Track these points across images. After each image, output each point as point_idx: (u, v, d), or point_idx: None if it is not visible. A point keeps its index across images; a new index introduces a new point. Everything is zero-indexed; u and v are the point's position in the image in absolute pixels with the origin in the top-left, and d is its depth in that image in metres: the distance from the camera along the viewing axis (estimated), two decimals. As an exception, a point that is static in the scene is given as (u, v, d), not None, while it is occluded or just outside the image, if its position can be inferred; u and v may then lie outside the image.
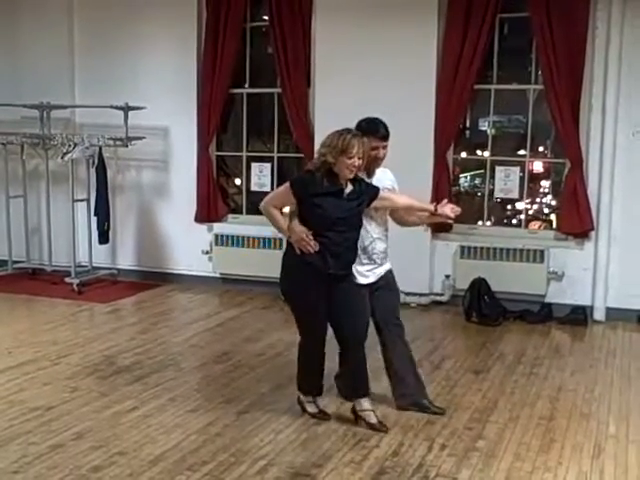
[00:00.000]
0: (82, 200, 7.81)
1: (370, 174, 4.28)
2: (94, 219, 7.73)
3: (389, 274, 4.41)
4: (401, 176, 4.52)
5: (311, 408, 4.37)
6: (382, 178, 4.36)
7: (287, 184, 4.13)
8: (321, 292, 4.11)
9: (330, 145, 3.99)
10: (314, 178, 4.04)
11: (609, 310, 6.64)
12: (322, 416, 4.35)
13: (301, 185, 4.09)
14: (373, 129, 4.21)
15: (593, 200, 6.62)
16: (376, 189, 4.18)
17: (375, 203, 4.18)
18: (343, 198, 4.05)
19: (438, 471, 3.72)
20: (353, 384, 4.30)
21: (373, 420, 4.20)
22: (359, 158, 3.99)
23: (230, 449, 3.93)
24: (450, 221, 4.47)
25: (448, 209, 4.32)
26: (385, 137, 4.24)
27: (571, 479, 3.66)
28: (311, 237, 4.02)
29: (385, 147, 4.25)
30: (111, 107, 7.38)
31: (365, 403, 4.24)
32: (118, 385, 4.88)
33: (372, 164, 4.23)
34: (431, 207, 4.39)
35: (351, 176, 4.04)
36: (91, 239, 7.84)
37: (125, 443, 3.98)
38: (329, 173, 4.02)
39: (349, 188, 4.08)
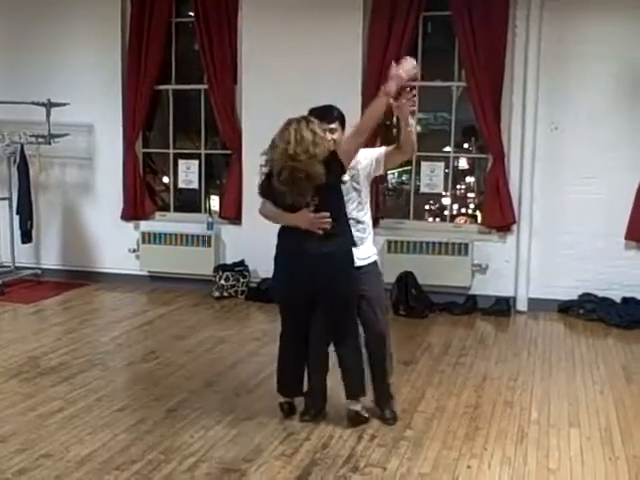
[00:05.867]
0: (3, 199, 7.62)
1: None
2: (16, 218, 7.57)
3: None
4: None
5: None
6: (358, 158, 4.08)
7: None
8: None
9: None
10: None
11: (531, 300, 6.84)
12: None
13: None
14: (320, 114, 4.03)
15: (515, 194, 6.81)
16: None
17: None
18: None
19: (368, 461, 3.77)
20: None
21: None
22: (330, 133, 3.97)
23: (159, 447, 3.90)
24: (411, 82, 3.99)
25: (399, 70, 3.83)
26: (329, 119, 4.04)
27: (496, 464, 3.77)
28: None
29: (333, 130, 4.04)
30: (32, 103, 7.22)
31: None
32: (43, 386, 4.78)
33: None
34: (382, 100, 3.85)
35: None
36: (13, 238, 7.67)
37: (51, 445, 3.91)
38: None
39: None
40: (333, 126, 4.07)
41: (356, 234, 4.10)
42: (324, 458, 3.80)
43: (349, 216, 4.09)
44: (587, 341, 6.02)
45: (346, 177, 4.05)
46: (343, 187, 4.05)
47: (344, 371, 4.20)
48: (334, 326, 4.14)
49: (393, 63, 3.93)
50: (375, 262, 4.25)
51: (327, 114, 4.08)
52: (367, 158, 4.15)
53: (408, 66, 3.90)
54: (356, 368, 4.18)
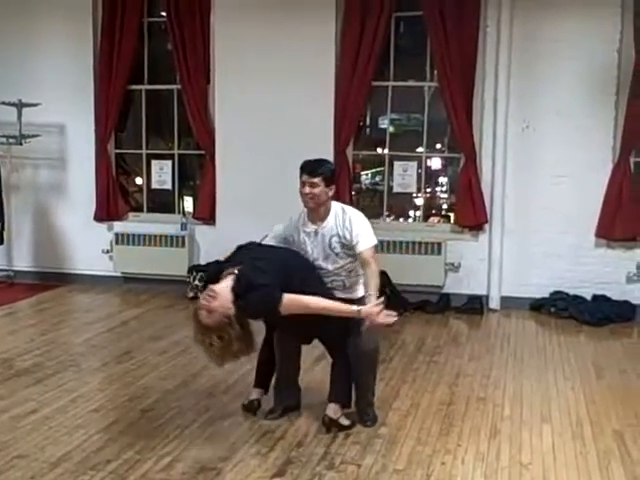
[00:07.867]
0: (-26, 200, 7.53)
1: (314, 219, 4.11)
2: (-13, 219, 7.48)
3: None
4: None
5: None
6: (330, 228, 4.10)
7: None
8: None
9: None
10: None
11: (503, 299, 6.92)
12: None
13: None
14: (307, 166, 4.10)
15: (487, 193, 6.88)
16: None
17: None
18: None
19: (343, 458, 3.79)
20: None
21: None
22: None
23: (134, 447, 3.88)
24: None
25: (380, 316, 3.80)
26: (311, 173, 4.04)
27: (469, 460, 3.81)
28: None
29: (313, 185, 4.02)
30: (3, 104, 7.16)
31: None
32: (17, 388, 4.74)
33: (304, 201, 4.10)
34: (351, 313, 3.83)
35: None
36: (-16, 240, 7.58)
37: (25, 446, 3.88)
38: None
39: None
40: (315, 180, 4.05)
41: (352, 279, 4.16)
42: (299, 456, 3.81)
43: (344, 269, 4.11)
44: (559, 338, 6.09)
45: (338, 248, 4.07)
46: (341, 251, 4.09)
47: (333, 377, 4.23)
48: (327, 339, 4.20)
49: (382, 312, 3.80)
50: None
51: (312, 168, 4.09)
52: (352, 236, 4.07)
53: (389, 320, 3.83)
54: (344, 377, 4.18)
